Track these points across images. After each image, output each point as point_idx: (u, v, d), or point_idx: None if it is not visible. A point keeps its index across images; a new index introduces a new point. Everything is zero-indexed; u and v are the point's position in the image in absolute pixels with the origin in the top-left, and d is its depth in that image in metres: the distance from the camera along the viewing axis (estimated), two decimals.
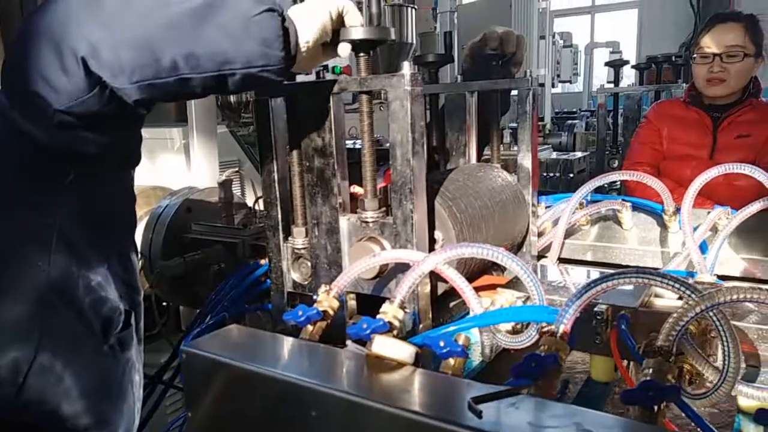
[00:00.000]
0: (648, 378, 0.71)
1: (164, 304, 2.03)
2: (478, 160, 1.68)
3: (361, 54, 1.10)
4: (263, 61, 0.90)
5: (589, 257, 1.75)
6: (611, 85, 3.15)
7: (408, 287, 0.92)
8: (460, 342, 0.82)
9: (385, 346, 0.77)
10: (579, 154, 3.86)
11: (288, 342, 0.84)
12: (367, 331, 0.83)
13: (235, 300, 1.44)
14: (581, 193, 1.58)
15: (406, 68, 1.04)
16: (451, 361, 0.79)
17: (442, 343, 0.77)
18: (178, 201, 1.76)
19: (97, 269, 1.05)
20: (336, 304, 0.97)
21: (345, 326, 1.18)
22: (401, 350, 0.77)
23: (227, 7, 0.88)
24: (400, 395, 0.71)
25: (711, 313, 0.79)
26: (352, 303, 1.21)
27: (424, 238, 1.10)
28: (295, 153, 1.23)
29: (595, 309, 1.11)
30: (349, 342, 0.85)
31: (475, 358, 1.19)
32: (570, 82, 8.34)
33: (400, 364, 0.76)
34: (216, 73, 0.89)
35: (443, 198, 1.22)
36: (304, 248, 1.25)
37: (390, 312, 0.88)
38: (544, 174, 3.41)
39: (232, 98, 3.16)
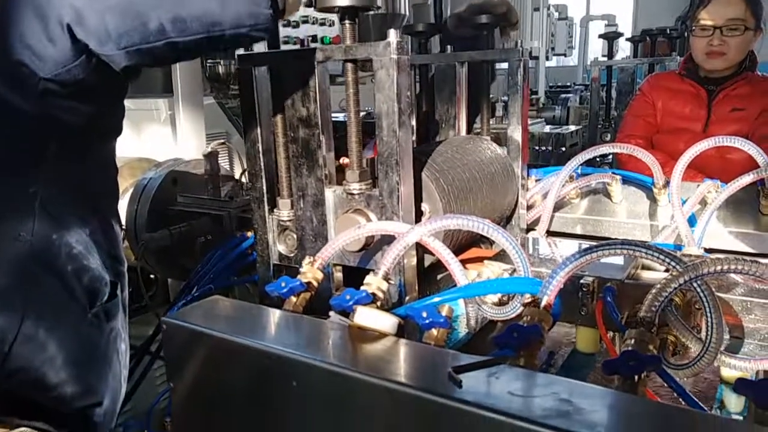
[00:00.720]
0: (630, 348, 0.70)
1: (152, 276, 2.03)
2: (468, 132, 1.66)
3: (347, 21, 1.07)
4: (252, 21, 0.88)
5: (578, 230, 1.75)
6: (605, 59, 3.12)
7: (392, 259, 0.91)
8: (444, 313, 0.81)
9: (367, 317, 0.76)
10: (572, 127, 3.84)
11: (271, 313, 0.84)
12: (350, 302, 0.82)
13: (221, 272, 1.43)
14: (571, 166, 1.57)
15: (393, 36, 1.01)
16: (434, 331, 0.79)
17: (424, 314, 0.77)
18: (164, 173, 1.74)
19: (78, 239, 1.04)
20: (320, 275, 0.96)
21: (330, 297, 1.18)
22: (383, 321, 0.76)
23: None
24: (381, 366, 0.71)
25: (695, 284, 0.79)
26: (338, 275, 1.21)
27: (410, 210, 1.09)
28: (279, 124, 1.21)
29: (581, 281, 1.11)
30: (332, 313, 0.84)
31: (461, 330, 1.19)
32: (565, 55, 8.27)
33: (382, 335, 0.76)
34: (204, 35, 0.87)
35: (430, 170, 1.20)
36: (289, 220, 1.23)
37: (374, 283, 0.88)
38: (536, 147, 3.40)
39: (221, 69, 3.11)
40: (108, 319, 1.07)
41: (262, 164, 1.24)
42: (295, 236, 1.23)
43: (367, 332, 0.76)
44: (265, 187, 1.25)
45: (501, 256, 1.36)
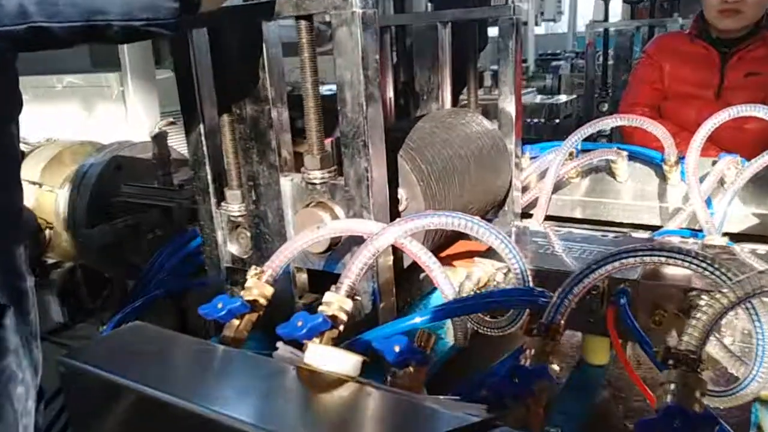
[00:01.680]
0: (671, 401, 0.51)
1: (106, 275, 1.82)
2: (454, 104, 1.45)
3: None
4: (147, 14, 0.67)
5: (578, 214, 1.56)
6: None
7: (358, 270, 0.71)
8: (423, 343, 0.62)
9: (321, 356, 0.57)
10: (564, 97, 3.63)
11: (197, 350, 0.64)
12: (303, 331, 0.62)
13: (170, 275, 1.23)
14: (572, 142, 1.38)
15: None
16: (410, 369, 0.60)
17: (396, 348, 0.57)
18: (106, 158, 1.52)
19: None
20: (269, 291, 0.76)
21: (293, 305, 0.98)
22: (342, 361, 0.57)
23: None
24: (337, 427, 0.51)
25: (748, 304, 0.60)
26: (302, 277, 1.01)
27: (383, 202, 0.89)
28: (224, 99, 0.99)
29: None
30: (280, 345, 0.65)
31: (448, 339, 1.01)
32: (554, 20, 7.99)
33: (340, 380, 0.56)
34: (83, 23, 0.66)
35: (405, 149, 1.00)
36: (241, 215, 1.03)
37: (335, 303, 0.68)
38: (528, 120, 3.19)
39: None
40: None
41: (204, 148, 1.03)
42: (248, 234, 1.03)
43: (321, 375, 0.56)
44: (210, 177, 1.04)
45: (494, 251, 1.17)
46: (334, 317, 0.67)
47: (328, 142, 0.92)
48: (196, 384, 0.57)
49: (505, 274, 1.02)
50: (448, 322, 0.92)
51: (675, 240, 1.22)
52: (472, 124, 1.24)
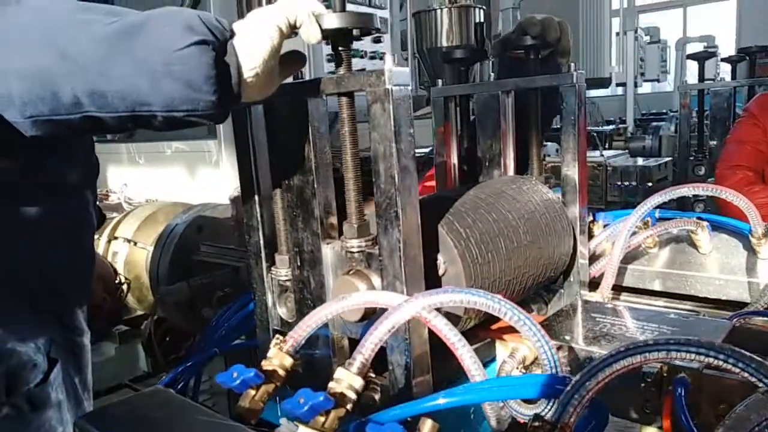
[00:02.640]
0: None
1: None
2: (519, 172, 1.43)
3: (340, 48, 0.90)
4: (188, 106, 0.72)
5: (657, 286, 1.45)
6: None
7: (373, 347, 0.70)
8: (424, 431, 0.59)
9: None
10: (663, 159, 3.44)
11: (201, 418, 0.65)
12: (304, 408, 0.62)
13: (228, 334, 1.27)
14: (642, 211, 1.29)
15: (388, 61, 0.83)
16: None
17: None
18: (190, 218, 1.63)
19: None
20: (289, 361, 0.77)
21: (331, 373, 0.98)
22: None
23: (146, 36, 0.70)
24: None
25: None
26: (343, 343, 1.01)
27: (416, 273, 0.88)
28: (276, 170, 1.05)
29: (644, 369, 0.85)
30: (283, 421, 0.65)
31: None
32: (658, 80, 7.68)
33: None
34: (130, 113, 0.72)
35: (446, 215, 0.99)
36: (288, 280, 1.06)
37: (344, 381, 0.67)
38: (618, 183, 3.04)
39: None
40: (33, 409, 0.89)
41: (258, 215, 1.08)
42: (294, 299, 1.06)
43: None
44: (262, 241, 1.09)
45: (553, 322, 1.11)
46: (341, 395, 0.66)
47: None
48: None
49: (556, 351, 0.97)
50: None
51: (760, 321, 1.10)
52: (528, 192, 1.21)
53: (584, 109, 1.28)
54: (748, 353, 0.52)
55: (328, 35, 0.87)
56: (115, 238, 1.81)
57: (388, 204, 0.86)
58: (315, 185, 0.97)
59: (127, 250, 1.77)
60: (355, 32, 0.89)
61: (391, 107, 0.83)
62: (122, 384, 1.89)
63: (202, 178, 2.60)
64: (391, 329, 0.70)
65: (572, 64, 1.26)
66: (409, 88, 0.86)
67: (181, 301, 1.51)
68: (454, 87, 1.47)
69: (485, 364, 1.16)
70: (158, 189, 2.78)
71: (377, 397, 0.93)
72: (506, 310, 0.69)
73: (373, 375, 0.70)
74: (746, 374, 0.51)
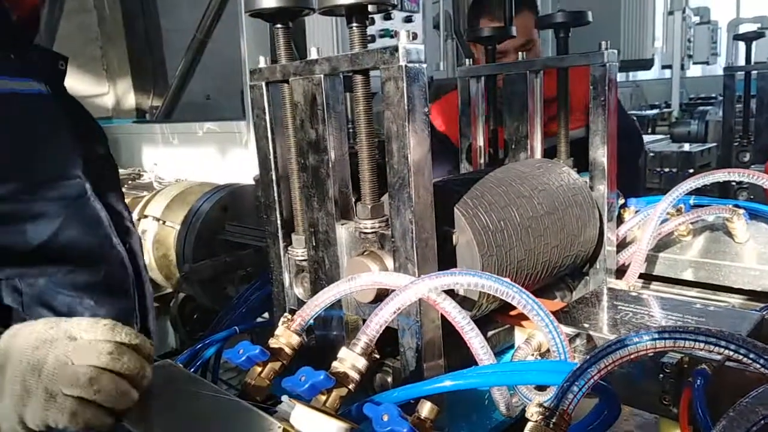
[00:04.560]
0: None
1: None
2: (545, 154, 1.39)
3: (354, 24, 0.88)
4: None
5: (689, 276, 1.39)
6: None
7: (378, 327, 0.69)
8: (423, 413, 0.58)
9: (305, 419, 0.55)
10: (707, 145, 3.30)
11: (196, 392, 0.66)
12: (305, 387, 0.62)
13: (248, 312, 1.29)
14: (673, 197, 1.24)
15: (403, 38, 0.81)
16: None
17: (385, 417, 0.54)
18: (215, 198, 1.65)
19: None
20: (296, 340, 0.76)
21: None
22: (324, 427, 0.55)
23: None
24: None
25: None
26: (357, 324, 1.00)
27: (429, 255, 0.86)
28: (293, 148, 1.04)
29: (663, 359, 0.82)
30: (284, 398, 0.65)
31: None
32: (707, 63, 7.36)
33: None
34: None
35: (463, 197, 0.97)
36: (304, 260, 1.06)
37: (348, 360, 0.67)
38: (658, 169, 2.93)
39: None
40: None
41: (275, 195, 1.08)
42: (309, 279, 1.06)
43: None
44: (279, 221, 1.09)
45: (573, 309, 1.08)
46: (344, 375, 0.65)
47: None
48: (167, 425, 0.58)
49: (570, 341, 0.94)
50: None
51: None
52: (552, 175, 1.17)
53: (615, 90, 1.23)
54: (761, 344, 0.49)
55: (345, 11, 0.85)
56: (145, 216, 1.85)
57: (401, 184, 0.84)
58: (329, 165, 0.96)
59: (156, 229, 1.81)
60: (370, 8, 0.87)
61: (405, 85, 0.81)
62: None
63: (233, 158, 2.63)
64: (396, 311, 0.69)
65: (603, 43, 1.21)
66: (425, 66, 0.83)
67: (205, 280, 1.54)
68: (480, 67, 1.43)
69: (504, 350, 1.15)
70: (190, 169, 2.83)
71: (389, 379, 0.93)
72: (514, 294, 0.67)
73: (378, 356, 0.69)
74: (757, 366, 0.48)
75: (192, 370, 1.12)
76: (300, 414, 0.55)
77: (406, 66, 0.80)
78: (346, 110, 0.99)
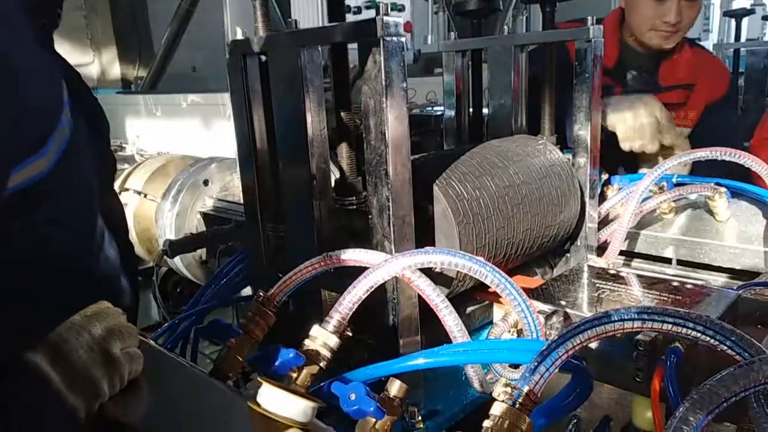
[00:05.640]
0: None
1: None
2: (532, 133, 1.38)
3: None
4: None
5: (669, 254, 1.40)
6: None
7: (351, 304, 0.69)
8: (393, 391, 0.58)
9: (270, 398, 0.55)
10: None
11: (170, 368, 0.65)
12: (275, 364, 0.61)
13: (230, 286, 1.28)
14: (655, 174, 1.24)
15: (381, 10, 0.79)
16: (370, 420, 0.56)
17: (352, 396, 0.54)
18: (197, 172, 1.63)
19: None
20: (270, 318, 0.75)
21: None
22: (291, 406, 0.55)
23: None
24: None
25: None
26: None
27: (406, 233, 0.86)
28: (271, 122, 1.02)
29: (638, 336, 0.82)
30: (255, 375, 0.64)
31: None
32: (699, 39, 7.32)
33: (286, 426, 0.54)
34: None
35: (441, 175, 0.96)
36: (281, 235, 1.05)
37: (320, 338, 0.66)
38: None
39: None
40: None
41: (253, 169, 1.06)
42: (286, 255, 1.05)
43: (261, 417, 0.54)
44: (257, 195, 1.07)
45: (551, 286, 1.08)
46: (316, 353, 0.65)
47: None
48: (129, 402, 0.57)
49: (546, 319, 0.94)
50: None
51: None
52: (530, 148, 1.16)
53: (599, 66, 1.21)
54: (729, 326, 0.49)
55: None
56: (126, 189, 1.83)
57: (378, 161, 0.83)
58: (308, 140, 0.94)
59: (136, 202, 1.79)
60: None
61: (382, 59, 0.79)
62: None
63: (217, 130, 2.59)
64: (369, 289, 0.69)
65: (589, 18, 1.19)
66: (404, 39, 0.81)
67: (185, 253, 1.52)
68: (465, 41, 1.41)
69: (483, 326, 1.15)
70: (174, 141, 2.79)
71: (366, 356, 0.93)
72: (487, 273, 0.66)
73: (351, 333, 0.69)
74: (724, 347, 0.48)
75: (169, 345, 1.11)
76: (266, 393, 0.55)
77: (383, 39, 0.78)
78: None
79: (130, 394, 0.59)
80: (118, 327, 0.62)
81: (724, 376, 0.45)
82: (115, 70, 4.79)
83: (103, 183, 0.85)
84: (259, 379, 0.55)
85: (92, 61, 4.77)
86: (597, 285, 1.05)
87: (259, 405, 0.54)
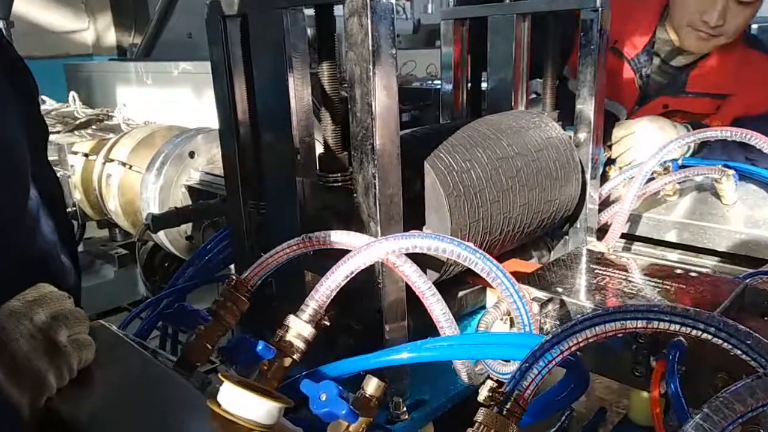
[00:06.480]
0: None
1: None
2: (529, 106, 1.31)
3: None
4: None
5: (672, 238, 1.34)
6: None
7: (328, 292, 0.63)
8: (369, 390, 0.53)
9: (231, 398, 0.50)
10: None
11: (130, 362, 0.60)
12: (244, 356, 0.56)
13: (213, 263, 1.23)
14: (660, 154, 1.18)
15: None
16: (343, 423, 0.51)
17: (323, 396, 0.49)
18: (183, 143, 1.56)
19: None
20: (243, 303, 0.70)
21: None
22: (253, 407, 0.49)
23: None
24: None
25: None
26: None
27: (394, 213, 0.80)
28: (253, 92, 0.95)
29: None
30: (221, 368, 0.59)
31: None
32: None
33: (248, 429, 0.49)
34: None
35: (434, 152, 0.89)
36: (263, 213, 0.99)
37: (294, 328, 0.61)
38: None
39: None
40: None
41: (235, 143, 1.00)
42: (268, 233, 0.99)
43: (221, 419, 0.49)
44: (238, 171, 1.01)
45: (548, 272, 1.03)
46: (289, 344, 0.59)
47: None
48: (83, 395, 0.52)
49: (542, 306, 0.89)
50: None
51: None
52: (533, 128, 1.10)
53: (606, 37, 1.14)
54: (744, 328, 0.43)
55: None
56: (111, 160, 1.76)
57: (364, 135, 0.77)
58: (290, 111, 0.87)
59: (121, 174, 1.72)
60: None
61: (369, 22, 0.72)
62: (120, 307, 1.89)
63: (208, 100, 2.50)
64: (349, 274, 0.63)
65: None
66: (393, 1, 0.74)
67: (169, 228, 1.47)
68: (465, 8, 1.33)
69: (476, 311, 1.10)
70: (164, 110, 2.70)
71: (352, 342, 0.88)
72: (477, 260, 0.61)
73: (329, 322, 0.63)
74: (738, 352, 0.43)
75: (147, 326, 1.06)
76: (227, 392, 0.49)
77: (373, 1, 0.71)
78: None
79: (79, 387, 0.54)
80: (63, 312, 0.56)
81: (739, 389, 0.40)
82: (111, 37, 4.66)
83: (36, 150, 0.77)
84: (220, 375, 0.49)
85: (87, 28, 4.65)
86: (596, 271, 1.00)
87: (219, 405, 0.48)
